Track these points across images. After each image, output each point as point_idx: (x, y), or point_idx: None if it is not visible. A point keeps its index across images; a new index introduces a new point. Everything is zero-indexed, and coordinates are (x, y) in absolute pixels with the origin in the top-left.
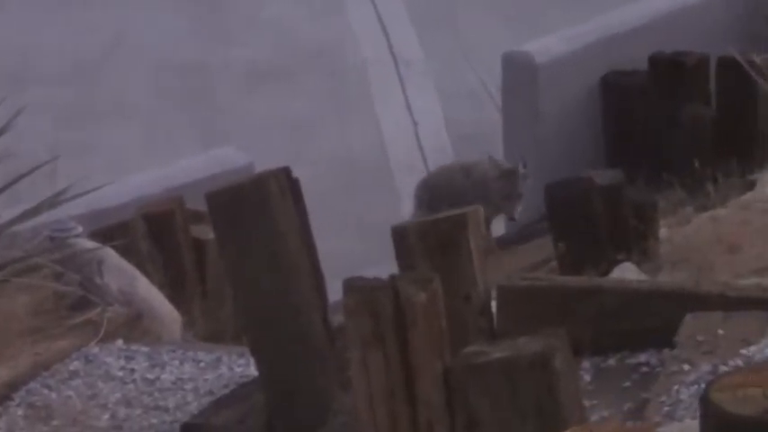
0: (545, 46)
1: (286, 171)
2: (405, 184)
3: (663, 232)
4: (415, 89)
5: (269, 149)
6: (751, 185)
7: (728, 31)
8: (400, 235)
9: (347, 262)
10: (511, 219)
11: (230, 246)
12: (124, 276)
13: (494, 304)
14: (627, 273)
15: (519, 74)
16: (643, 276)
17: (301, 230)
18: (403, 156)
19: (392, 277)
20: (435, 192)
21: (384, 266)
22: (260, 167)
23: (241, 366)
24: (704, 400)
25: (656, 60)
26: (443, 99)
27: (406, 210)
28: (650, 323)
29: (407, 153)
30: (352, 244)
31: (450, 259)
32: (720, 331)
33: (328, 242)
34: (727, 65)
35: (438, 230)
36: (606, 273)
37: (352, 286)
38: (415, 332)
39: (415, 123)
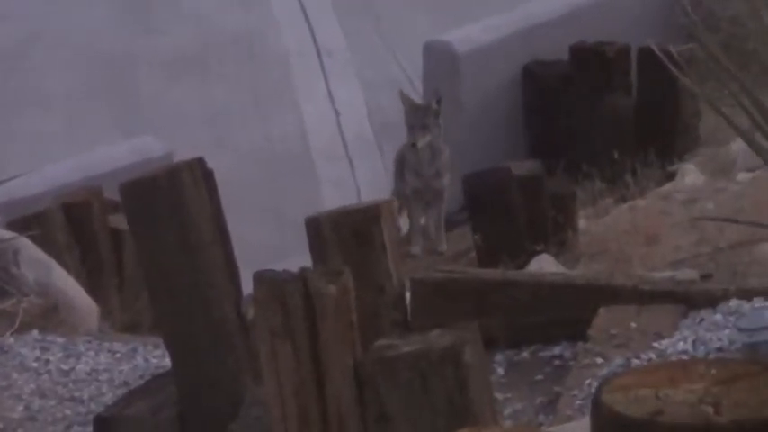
0: (466, 35)
1: (200, 162)
2: (326, 173)
3: (581, 223)
4: (338, 79)
5: (189, 139)
6: (671, 177)
7: (650, 21)
8: (314, 226)
9: (266, 253)
10: (413, 145)
11: (143, 237)
12: (40, 267)
13: (408, 296)
14: (545, 264)
15: (440, 63)
16: (561, 268)
17: (215, 221)
18: (324, 145)
19: (302, 270)
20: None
21: (303, 257)
22: (180, 157)
23: (157, 357)
24: (595, 401)
25: (577, 50)
26: (366, 89)
27: (326, 199)
28: (564, 316)
29: (329, 143)
30: (272, 234)
31: (364, 251)
32: (633, 324)
33: (247, 232)
34: (648, 55)
35: (351, 222)
36: (524, 264)
37: (262, 278)
38: (325, 325)
39: (337, 113)
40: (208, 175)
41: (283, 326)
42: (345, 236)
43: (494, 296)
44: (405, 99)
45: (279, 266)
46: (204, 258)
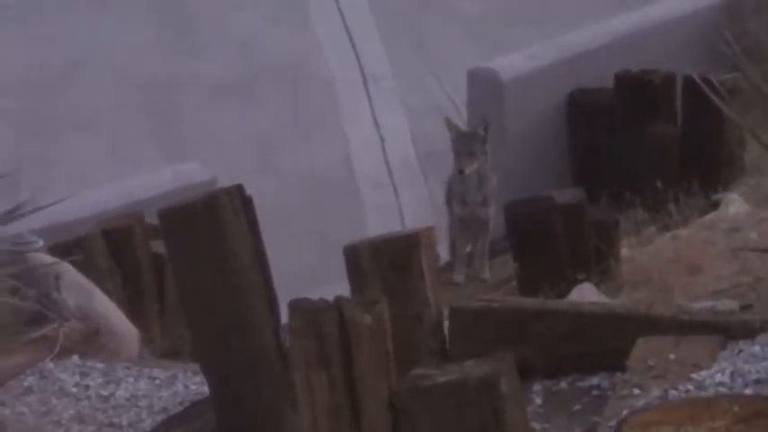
0: (511, 63)
1: (239, 188)
2: (370, 199)
3: (624, 252)
4: (383, 105)
5: (233, 164)
6: (714, 206)
7: (696, 49)
8: (352, 254)
9: (309, 279)
10: (459, 172)
11: (182, 263)
12: (82, 292)
13: (447, 325)
14: (586, 293)
15: (484, 91)
16: (602, 297)
17: (254, 248)
18: (369, 171)
19: (337, 299)
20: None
21: (347, 284)
22: (223, 182)
23: (196, 384)
24: None
25: (622, 78)
26: (410, 115)
27: (370, 226)
28: (602, 346)
29: (374, 169)
30: (315, 260)
31: (402, 279)
32: (671, 356)
33: (290, 258)
34: (694, 84)
35: (390, 250)
36: (565, 293)
37: (297, 307)
38: (360, 355)
39: (382, 139)
40: (247, 202)
41: (318, 355)
42: (384, 264)
43: (532, 325)
44: (450, 126)
45: (322, 293)
46: (242, 284)
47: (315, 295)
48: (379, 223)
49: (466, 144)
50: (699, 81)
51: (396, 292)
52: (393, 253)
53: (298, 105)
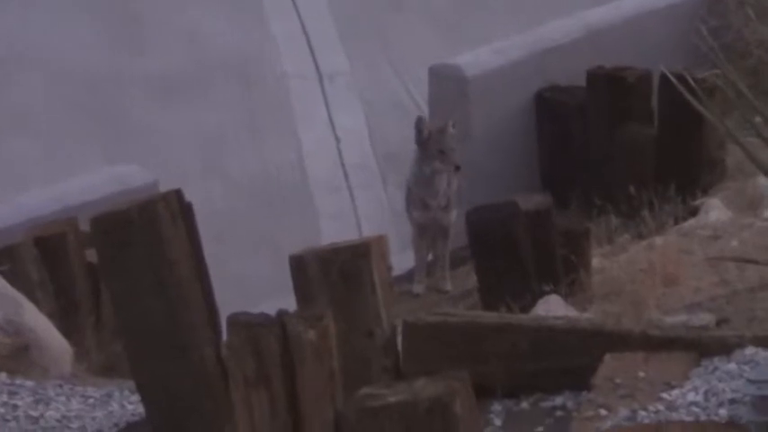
0: (476, 58)
1: (177, 193)
2: (325, 205)
3: (595, 262)
4: (339, 103)
5: (178, 167)
6: (694, 212)
7: (674, 45)
8: (298, 265)
9: (258, 291)
10: (457, 168)
11: (115, 276)
12: (10, 304)
13: (400, 341)
14: (553, 306)
15: (448, 88)
16: (570, 310)
17: (193, 258)
18: (323, 174)
19: (280, 313)
20: None
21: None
22: (166, 186)
23: (133, 404)
24: None
25: (594, 75)
26: (369, 113)
27: (325, 233)
28: (566, 363)
29: (328, 171)
30: (265, 271)
31: (352, 291)
32: (641, 373)
33: (238, 269)
34: (671, 81)
35: (339, 260)
36: (531, 306)
37: (236, 322)
38: (304, 373)
39: (338, 140)
40: (186, 208)
41: (258, 373)
42: (332, 275)
43: (491, 341)
44: (425, 124)
45: (272, 306)
46: (181, 298)
47: (264, 309)
48: (333, 230)
49: (448, 140)
50: (673, 80)
51: (345, 306)
52: (342, 263)
53: (248, 104)
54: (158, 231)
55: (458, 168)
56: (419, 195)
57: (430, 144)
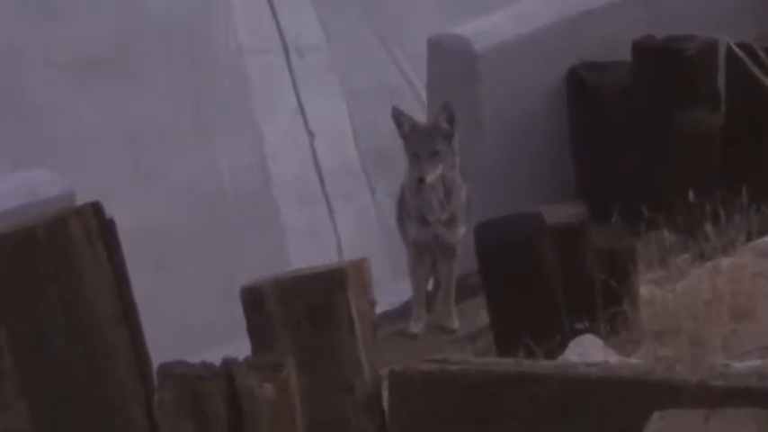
0: (488, 27)
1: (95, 207)
2: (294, 219)
3: (643, 291)
4: (312, 87)
5: (101, 172)
6: None
7: (744, 7)
8: (252, 298)
9: (207, 331)
10: (419, 181)
11: (15, 313)
12: None
13: (386, 397)
14: (589, 349)
15: (452, 66)
16: (611, 354)
17: (117, 292)
18: (292, 180)
19: (226, 362)
20: None
21: None
22: (85, 197)
23: None
24: None
25: (642, 48)
26: (351, 101)
27: (294, 257)
28: (603, 424)
29: (299, 176)
30: (216, 305)
31: (324, 333)
32: None
33: (181, 302)
34: (744, 54)
35: (306, 292)
36: (559, 349)
37: (169, 375)
38: None
39: (311, 134)
40: (107, 226)
41: None
42: (297, 312)
43: (505, 397)
44: (401, 116)
45: (224, 352)
46: (102, 344)
47: (210, 357)
48: (305, 253)
49: (425, 142)
50: (741, 54)
51: (314, 352)
52: (310, 296)
53: (194, 88)
54: (70, 257)
55: (421, 181)
56: (415, 206)
57: (407, 143)
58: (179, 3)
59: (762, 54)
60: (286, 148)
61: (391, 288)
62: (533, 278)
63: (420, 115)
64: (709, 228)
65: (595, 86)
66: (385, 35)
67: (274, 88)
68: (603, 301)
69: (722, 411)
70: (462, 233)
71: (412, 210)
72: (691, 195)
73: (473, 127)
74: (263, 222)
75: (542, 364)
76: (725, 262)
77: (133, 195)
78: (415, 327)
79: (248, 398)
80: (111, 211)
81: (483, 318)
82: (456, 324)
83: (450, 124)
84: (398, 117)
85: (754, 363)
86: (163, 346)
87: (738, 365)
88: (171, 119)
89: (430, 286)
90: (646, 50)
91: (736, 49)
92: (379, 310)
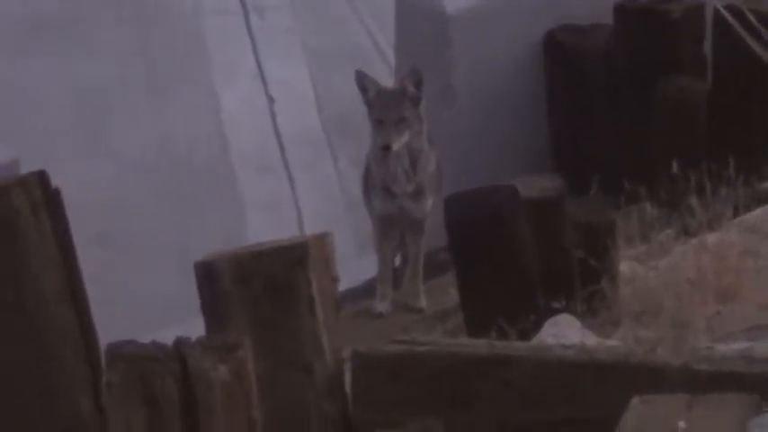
0: None
1: (41, 177)
2: (252, 189)
3: (623, 268)
4: (272, 48)
5: (46, 140)
6: (761, 198)
7: None
8: (206, 274)
9: (159, 309)
10: (384, 148)
11: None
12: None
13: (349, 379)
14: (565, 330)
15: (422, 28)
16: (589, 335)
17: (63, 267)
18: (250, 148)
19: (179, 342)
20: None
21: None
22: (29, 167)
23: None
24: None
25: (624, 10)
26: (314, 64)
27: (252, 230)
28: (580, 410)
29: (257, 143)
30: (169, 281)
31: (283, 311)
32: (681, 423)
33: (132, 279)
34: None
35: (264, 268)
36: (534, 330)
37: (118, 355)
38: (212, 424)
39: (271, 100)
40: (53, 197)
41: (149, 424)
42: (254, 289)
43: (476, 381)
44: (366, 80)
45: (177, 332)
46: (46, 323)
47: (163, 336)
48: (264, 226)
49: (392, 107)
50: (728, 17)
51: (272, 331)
52: (268, 272)
53: (145, 50)
54: (13, 229)
55: (387, 149)
56: (379, 177)
57: (372, 109)
58: None
59: (751, 17)
60: (244, 115)
61: (356, 264)
62: (506, 254)
63: (387, 79)
64: (693, 201)
65: (574, 50)
66: None
67: (232, 51)
68: (581, 279)
69: (706, 397)
70: (430, 206)
71: (376, 181)
72: (675, 167)
73: (443, 92)
74: (219, 193)
75: (516, 346)
76: (710, 238)
77: (80, 164)
78: (381, 305)
79: (202, 381)
80: (56, 180)
81: (453, 296)
82: (424, 303)
83: (418, 89)
84: (363, 81)
85: (740, 345)
86: (111, 326)
87: (723, 348)
88: (121, 84)
89: (398, 262)
90: (628, 12)
91: (724, 12)
92: (342, 287)
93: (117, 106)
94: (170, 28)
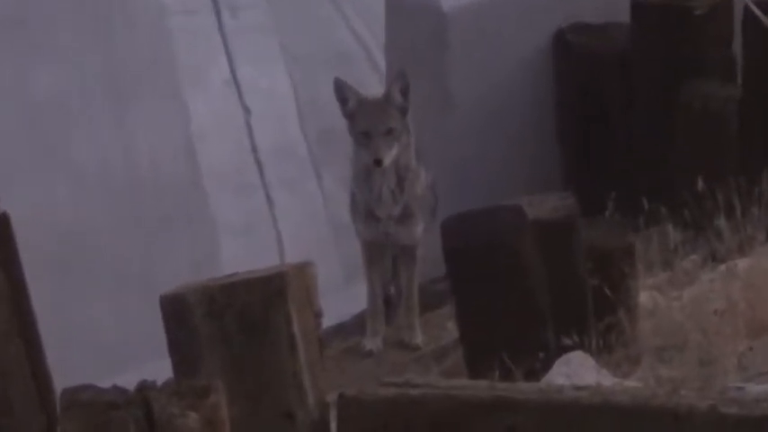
0: None
1: None
2: (226, 211)
3: (644, 299)
4: (248, 53)
5: None
6: None
7: None
8: (174, 308)
9: (121, 348)
10: (376, 163)
11: None
12: None
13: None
14: (578, 368)
15: (414, 28)
16: (605, 375)
17: (12, 300)
18: (224, 164)
19: (142, 386)
20: None
21: None
22: None
23: None
24: None
25: (643, 6)
26: (295, 69)
27: (226, 257)
28: None
29: (232, 160)
30: (135, 316)
31: (259, 350)
32: None
33: (91, 314)
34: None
35: (238, 301)
36: (543, 369)
37: (73, 402)
38: None
39: (247, 111)
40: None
41: None
42: (227, 325)
43: (478, 428)
44: (345, 89)
45: (141, 374)
46: None
47: (125, 378)
48: (239, 253)
49: (378, 118)
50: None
51: (248, 373)
52: (243, 306)
53: (106, 55)
54: None
55: (378, 163)
56: (363, 199)
57: (355, 121)
58: None
59: None
60: (217, 127)
61: (344, 296)
62: (511, 284)
63: (377, 87)
64: (722, 223)
65: (586, 53)
66: None
67: (202, 55)
68: (596, 311)
69: None
70: (421, 230)
71: (359, 203)
72: (700, 184)
73: (440, 99)
74: (189, 215)
75: (522, 388)
76: (741, 264)
77: (33, 183)
78: (371, 342)
79: (168, 429)
80: (7, 199)
81: (451, 331)
82: (419, 339)
83: (405, 97)
84: (342, 91)
85: None
86: (68, 366)
87: (755, 389)
88: (79, 91)
89: (392, 292)
90: (646, 9)
91: (754, 8)
92: (328, 322)
93: (75, 116)
94: (133, 29)
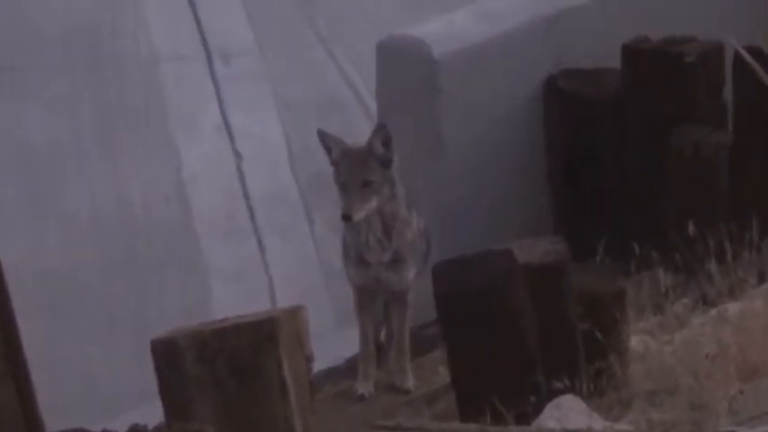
0: (449, 28)
1: None
2: (217, 256)
3: (634, 343)
4: (240, 100)
5: None
6: None
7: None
8: (166, 353)
9: (113, 391)
10: (344, 218)
11: None
12: None
13: None
14: (569, 413)
15: (406, 74)
16: (596, 419)
17: (4, 344)
18: (215, 210)
19: (134, 430)
20: None
21: None
22: None
23: None
24: None
25: (634, 52)
26: (287, 116)
27: (217, 302)
28: None
29: (223, 206)
30: (126, 360)
31: (250, 395)
32: None
33: (82, 357)
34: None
35: (228, 346)
36: (534, 413)
37: None
38: None
39: (239, 156)
40: None
41: None
42: (219, 370)
43: None
44: (328, 139)
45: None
46: None
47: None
48: (231, 298)
49: (356, 170)
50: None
51: (239, 418)
52: (234, 351)
53: (98, 101)
54: None
55: (346, 219)
56: (353, 245)
57: (337, 171)
58: (81, 4)
59: None
60: (208, 173)
61: (335, 340)
62: (502, 328)
63: (368, 132)
64: (712, 267)
65: (577, 98)
66: (327, 37)
67: (194, 101)
68: (587, 355)
69: None
70: (412, 276)
71: (351, 248)
72: (691, 228)
73: (431, 146)
74: (180, 261)
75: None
76: (731, 308)
77: (25, 228)
78: (363, 386)
79: None
80: None
81: (442, 375)
82: (411, 383)
83: (387, 148)
84: (325, 140)
85: (766, 429)
86: (60, 410)
87: None
88: (70, 137)
89: (383, 337)
90: (637, 55)
91: (745, 54)
92: (320, 366)
93: (66, 161)
94: (125, 76)
